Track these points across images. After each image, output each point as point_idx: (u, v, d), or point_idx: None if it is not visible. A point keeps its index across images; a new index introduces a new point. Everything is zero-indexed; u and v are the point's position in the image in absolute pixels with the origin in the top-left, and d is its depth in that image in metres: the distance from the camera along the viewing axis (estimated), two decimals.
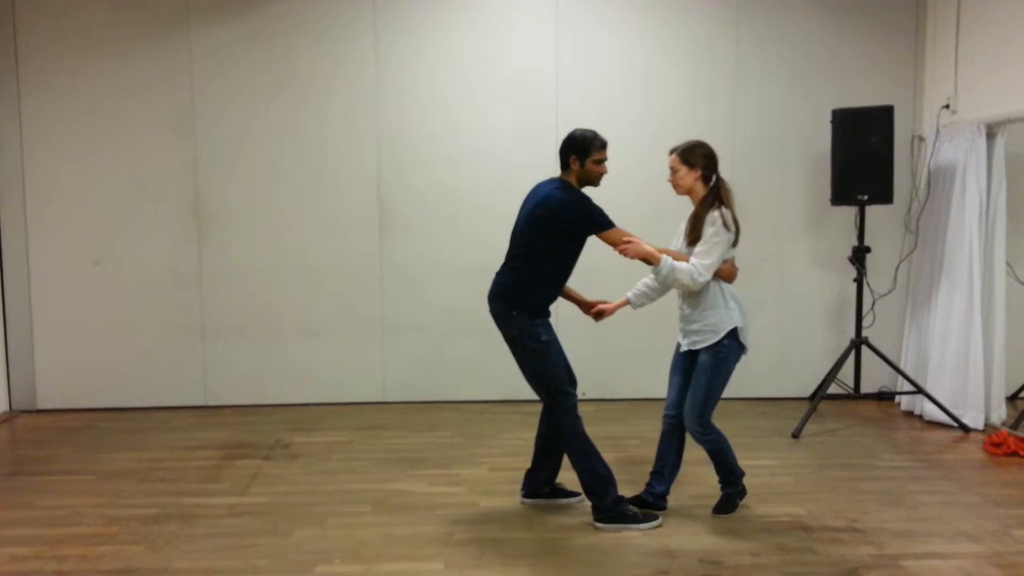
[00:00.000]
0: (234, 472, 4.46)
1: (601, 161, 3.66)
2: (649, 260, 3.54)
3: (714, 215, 3.55)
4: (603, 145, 3.66)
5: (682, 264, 3.53)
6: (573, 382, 3.80)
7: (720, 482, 3.82)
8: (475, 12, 5.77)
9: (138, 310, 5.78)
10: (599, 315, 3.90)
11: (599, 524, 3.65)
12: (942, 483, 4.24)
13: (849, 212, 5.70)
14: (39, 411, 5.79)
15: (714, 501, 3.83)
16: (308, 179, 5.80)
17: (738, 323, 3.60)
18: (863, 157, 5.32)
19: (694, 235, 3.59)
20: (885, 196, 5.35)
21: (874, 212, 5.67)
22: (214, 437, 5.13)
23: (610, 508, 3.64)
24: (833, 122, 5.42)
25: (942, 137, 5.53)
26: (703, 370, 3.62)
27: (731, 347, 3.60)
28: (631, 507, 3.69)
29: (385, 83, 5.78)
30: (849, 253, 5.54)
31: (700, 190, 3.63)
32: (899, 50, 5.89)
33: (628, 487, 3.86)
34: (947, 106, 5.56)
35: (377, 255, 5.87)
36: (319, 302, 5.87)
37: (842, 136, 5.37)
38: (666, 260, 3.51)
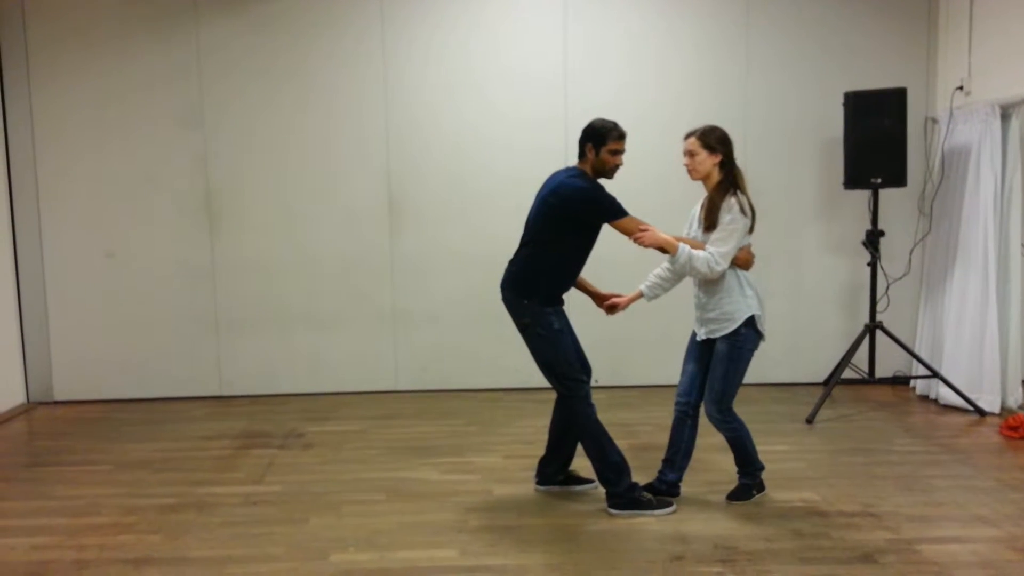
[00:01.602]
0: (249, 461, 4.49)
1: (617, 152, 3.61)
2: (665, 249, 3.50)
3: (731, 201, 3.49)
4: (621, 136, 3.61)
5: (699, 252, 3.48)
6: (587, 370, 3.80)
7: (738, 472, 3.81)
8: (483, 3, 5.74)
9: (152, 302, 5.82)
10: (612, 308, 3.88)
11: (613, 510, 3.65)
12: (958, 467, 4.22)
13: (862, 196, 5.66)
14: (56, 403, 5.84)
15: (729, 488, 3.82)
16: (318, 171, 5.81)
17: (755, 311, 3.56)
18: (876, 140, 5.27)
19: (710, 222, 3.53)
20: (899, 179, 5.31)
21: (888, 195, 5.63)
22: (229, 427, 5.16)
23: (624, 495, 3.64)
24: (845, 105, 5.38)
25: (956, 119, 5.48)
26: (720, 359, 3.59)
27: (748, 335, 3.57)
28: (645, 493, 3.69)
29: (393, 74, 5.77)
30: (863, 237, 5.50)
31: (716, 175, 3.57)
32: (912, 31, 5.83)
33: (641, 474, 3.86)
34: (961, 87, 5.50)
35: (388, 246, 5.88)
36: (331, 293, 5.89)
37: (855, 119, 5.32)
38: (683, 249, 3.47)
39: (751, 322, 3.56)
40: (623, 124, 3.66)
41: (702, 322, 3.67)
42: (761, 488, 3.82)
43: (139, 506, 3.85)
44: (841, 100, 5.41)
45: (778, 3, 5.79)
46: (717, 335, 3.60)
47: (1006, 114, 5.14)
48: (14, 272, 5.74)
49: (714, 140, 3.56)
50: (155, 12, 5.66)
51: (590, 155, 3.62)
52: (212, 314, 5.87)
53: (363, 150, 5.81)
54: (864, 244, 5.48)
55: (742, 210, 3.49)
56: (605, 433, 3.68)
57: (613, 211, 3.55)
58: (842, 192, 5.66)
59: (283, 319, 5.89)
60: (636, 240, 3.51)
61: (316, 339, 5.92)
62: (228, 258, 5.84)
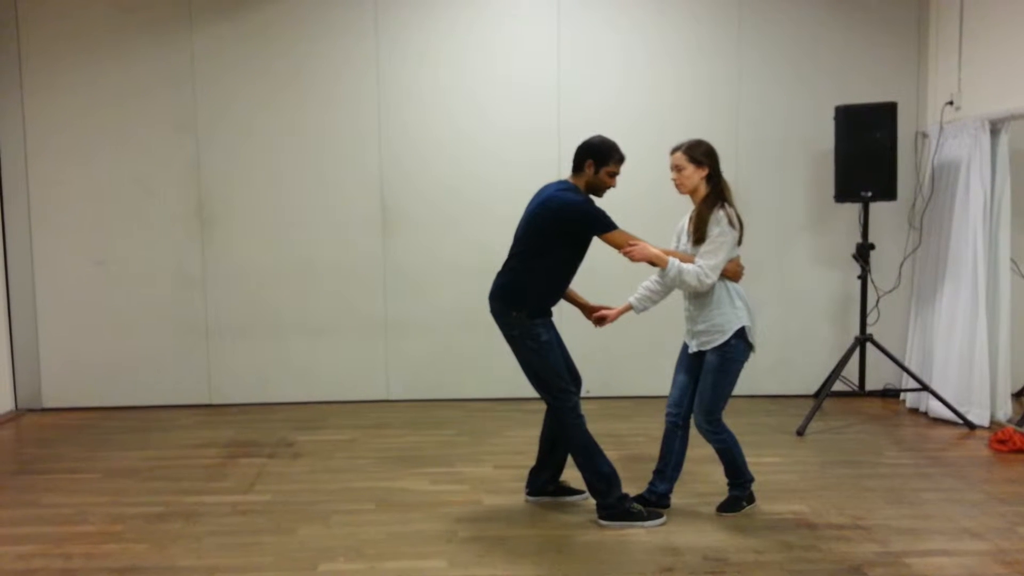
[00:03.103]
0: (238, 470, 4.47)
1: (614, 174, 3.65)
2: (655, 262, 3.52)
3: (719, 214, 3.51)
4: (621, 159, 3.65)
5: (689, 265, 3.49)
6: (577, 381, 3.80)
7: (728, 483, 3.82)
8: (477, 11, 5.77)
9: (142, 309, 5.80)
10: (601, 321, 3.88)
11: (603, 522, 3.65)
12: (947, 480, 4.23)
13: (853, 209, 5.69)
14: (44, 410, 5.81)
15: (719, 499, 3.82)
16: (310, 179, 5.81)
17: (745, 322, 3.57)
18: (866, 154, 5.30)
19: (699, 235, 3.54)
20: (889, 193, 5.34)
21: (878, 209, 5.66)
22: (218, 435, 5.14)
23: (614, 506, 3.64)
24: (836, 119, 5.41)
25: (946, 133, 5.52)
26: (710, 369, 3.60)
27: (739, 346, 3.58)
28: (636, 505, 3.69)
29: (387, 82, 5.78)
30: (853, 250, 5.53)
31: (703, 189, 3.59)
32: (902, 46, 5.88)
33: (632, 485, 3.86)
34: (951, 102, 5.54)
35: (380, 254, 5.88)
36: (322, 301, 5.88)
37: (845, 133, 5.35)
38: (673, 262, 3.48)
39: (741, 333, 3.57)
40: (614, 134, 3.68)
41: (692, 334, 3.68)
42: (751, 500, 3.83)
43: (126, 515, 3.82)
44: (832, 114, 5.45)
45: (770, 16, 5.83)
46: (708, 347, 3.60)
47: (995, 129, 5.17)
48: (3, 278, 5.72)
49: (700, 154, 3.58)
50: (149, 18, 5.66)
51: (588, 171, 3.63)
52: (202, 321, 5.85)
53: (356, 158, 5.81)
54: (854, 257, 5.50)
55: (730, 222, 3.51)
56: (595, 444, 3.67)
57: (603, 224, 3.56)
58: (832, 205, 5.68)
59: (274, 327, 5.88)
60: (626, 254, 3.52)
61: (307, 347, 5.91)
62: (219, 265, 5.82)
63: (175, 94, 5.71)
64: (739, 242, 3.59)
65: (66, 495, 4.09)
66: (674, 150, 3.63)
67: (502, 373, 5.65)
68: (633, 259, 3.52)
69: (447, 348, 5.94)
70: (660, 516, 3.67)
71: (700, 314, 3.61)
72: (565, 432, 3.70)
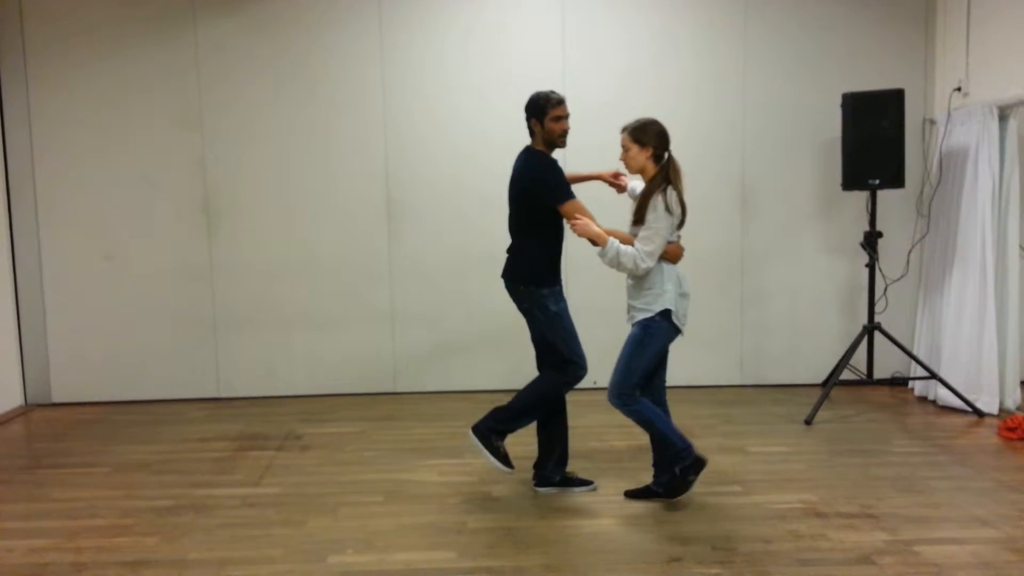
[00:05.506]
0: (248, 463, 4.48)
1: (560, 118, 3.71)
2: (596, 241, 3.57)
3: (657, 199, 3.54)
4: (559, 102, 3.71)
5: (628, 248, 3.55)
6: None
7: (654, 467, 3.76)
8: (482, 3, 5.74)
9: (150, 304, 5.81)
10: (620, 189, 4.06)
11: (538, 488, 3.89)
12: (956, 468, 4.22)
13: (860, 197, 5.66)
14: (54, 405, 5.84)
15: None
16: (316, 172, 5.81)
17: (669, 306, 3.59)
18: (874, 141, 5.28)
19: (638, 215, 3.60)
20: (897, 180, 5.31)
21: (886, 197, 5.64)
22: (227, 429, 5.16)
23: (549, 476, 3.89)
24: (843, 106, 5.38)
25: (954, 120, 5.48)
26: (630, 341, 3.64)
27: (661, 325, 3.60)
28: (567, 471, 3.90)
29: (391, 74, 5.77)
30: (861, 238, 5.50)
31: (651, 169, 3.63)
32: (909, 32, 5.84)
33: (644, 475, 3.85)
34: (958, 88, 5.50)
35: (386, 246, 5.88)
36: (329, 294, 5.89)
37: (853, 120, 5.32)
38: (611, 244, 3.54)
39: (666, 315, 3.59)
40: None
41: (628, 308, 3.75)
42: (699, 466, 3.66)
43: (137, 508, 3.84)
44: (839, 101, 5.41)
45: (776, 4, 5.79)
46: (633, 321, 3.67)
47: (1004, 115, 5.14)
48: (12, 274, 5.74)
49: (643, 135, 3.62)
50: (153, 13, 5.66)
51: (536, 129, 3.73)
52: (210, 315, 5.86)
53: (361, 151, 5.81)
54: (862, 245, 5.48)
55: (668, 208, 3.53)
56: (546, 410, 3.83)
57: (557, 194, 3.64)
58: (840, 193, 5.66)
59: (281, 320, 5.89)
60: (571, 227, 3.61)
61: (314, 340, 5.92)
62: (226, 259, 5.83)
63: (180, 89, 5.71)
64: (680, 225, 3.64)
65: (76, 489, 4.11)
66: (622, 130, 3.69)
67: (509, 365, 5.67)
68: (576, 233, 3.60)
69: (454, 340, 5.94)
70: (590, 483, 3.84)
71: (635, 291, 3.68)
72: (540, 385, 3.80)
